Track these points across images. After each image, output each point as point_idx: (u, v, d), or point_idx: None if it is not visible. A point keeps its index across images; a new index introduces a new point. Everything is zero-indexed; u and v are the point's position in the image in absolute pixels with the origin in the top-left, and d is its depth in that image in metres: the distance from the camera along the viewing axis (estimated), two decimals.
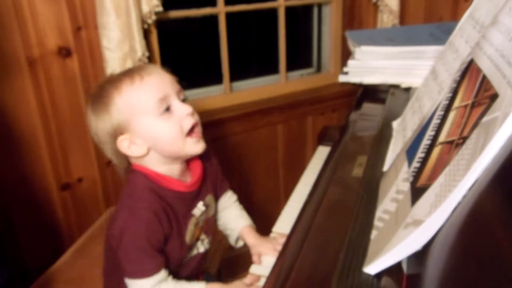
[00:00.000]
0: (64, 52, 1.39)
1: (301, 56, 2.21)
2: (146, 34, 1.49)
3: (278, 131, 1.98)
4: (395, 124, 0.94)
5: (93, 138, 0.87)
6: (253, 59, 2.18)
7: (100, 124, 0.83)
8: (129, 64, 1.40)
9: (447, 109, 0.58)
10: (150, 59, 1.54)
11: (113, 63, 1.40)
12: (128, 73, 0.83)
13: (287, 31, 1.93)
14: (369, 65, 1.23)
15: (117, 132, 0.82)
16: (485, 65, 0.52)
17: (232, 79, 1.90)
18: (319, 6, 2.07)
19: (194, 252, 0.94)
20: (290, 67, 2.06)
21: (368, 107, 1.17)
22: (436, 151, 0.54)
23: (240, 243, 1.02)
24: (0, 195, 1.38)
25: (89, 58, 1.44)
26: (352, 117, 1.15)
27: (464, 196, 0.44)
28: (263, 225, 1.06)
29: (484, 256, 0.36)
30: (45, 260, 1.28)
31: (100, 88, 0.84)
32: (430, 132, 0.59)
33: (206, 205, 0.94)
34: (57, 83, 1.40)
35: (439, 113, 0.59)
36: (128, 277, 0.82)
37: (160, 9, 1.46)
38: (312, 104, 2.02)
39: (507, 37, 0.51)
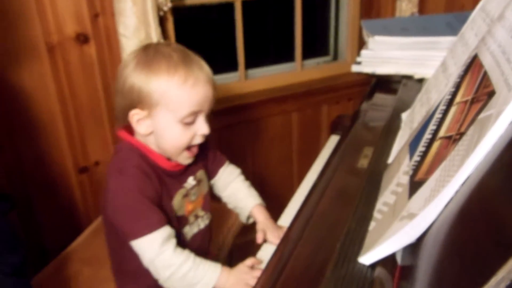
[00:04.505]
0: (82, 39, 1.42)
1: (318, 44, 2.20)
2: (162, 21, 1.51)
3: (293, 119, 1.99)
4: (404, 115, 0.94)
5: (116, 83, 0.85)
6: (269, 46, 2.18)
7: (132, 79, 0.81)
8: None
9: (449, 104, 0.58)
10: None
11: (129, 49, 1.42)
12: (188, 65, 0.81)
13: (304, 18, 1.93)
14: (382, 55, 1.22)
15: (137, 100, 0.82)
16: (487, 61, 0.52)
17: (247, 66, 1.91)
18: None
19: (195, 229, 0.96)
20: (307, 55, 2.05)
21: (380, 98, 1.17)
22: (435, 145, 0.55)
23: (251, 220, 1.04)
24: (20, 178, 1.43)
25: (106, 44, 1.46)
26: (363, 107, 1.16)
27: (457, 192, 0.45)
28: (276, 212, 1.08)
29: (467, 251, 0.37)
30: (63, 240, 1.33)
31: (157, 51, 0.82)
32: (431, 126, 0.60)
33: (198, 180, 0.96)
34: (75, 69, 1.43)
35: (442, 107, 0.60)
36: (133, 239, 0.82)
37: None
38: (327, 92, 2.01)
39: (509, 34, 0.50)
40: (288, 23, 1.97)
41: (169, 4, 1.48)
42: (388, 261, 0.51)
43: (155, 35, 1.43)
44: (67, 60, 1.42)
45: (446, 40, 1.18)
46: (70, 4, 1.38)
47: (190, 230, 0.95)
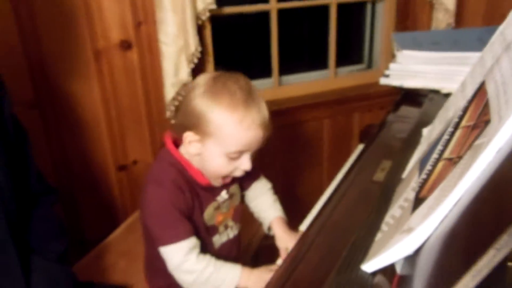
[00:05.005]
0: (125, 45, 1.52)
1: (353, 52, 2.23)
2: (200, 28, 1.59)
3: (324, 126, 2.02)
4: (425, 131, 0.97)
5: (182, 100, 0.92)
6: (304, 53, 2.23)
7: (196, 103, 0.87)
8: (183, 59, 1.51)
9: (456, 126, 0.62)
10: (204, 52, 1.64)
11: (169, 56, 1.51)
12: (247, 107, 0.86)
13: (339, 26, 1.96)
14: (411, 69, 1.25)
15: (195, 124, 0.88)
16: (490, 89, 0.56)
17: (282, 72, 1.96)
18: (373, 2, 2.07)
19: (224, 238, 1.03)
20: (341, 62, 2.09)
21: (406, 110, 1.20)
22: (440, 165, 0.59)
23: (272, 232, 1.10)
24: (66, 174, 1.55)
25: (147, 51, 1.56)
26: (389, 118, 1.19)
27: (451, 211, 0.49)
28: (303, 218, 1.13)
29: (455, 268, 0.42)
30: (102, 232, 1.43)
31: (225, 85, 0.87)
32: (439, 147, 0.64)
33: (231, 194, 1.03)
34: (118, 74, 1.54)
35: (450, 129, 0.64)
36: (162, 246, 0.90)
37: (214, 6, 1.55)
38: (360, 100, 2.04)
39: (511, 65, 0.54)
40: (323, 31, 2.01)
41: (207, 14, 1.56)
42: (388, 270, 0.55)
43: (192, 43, 1.51)
44: (111, 65, 1.52)
45: (475, 56, 1.19)
46: (116, 12, 1.48)
47: (219, 239, 1.02)
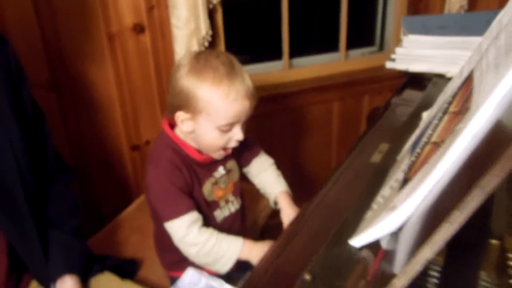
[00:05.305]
0: (138, 29, 1.56)
1: (365, 34, 2.23)
2: (211, 12, 1.62)
3: (334, 108, 2.05)
4: (425, 114, 0.99)
5: (170, 81, 0.96)
6: (315, 36, 2.24)
7: (182, 83, 0.92)
8: (194, 43, 1.55)
9: (445, 112, 0.65)
10: (215, 36, 1.67)
11: (181, 40, 1.55)
12: (231, 80, 0.90)
13: (351, 8, 1.96)
14: (416, 53, 1.26)
15: (184, 103, 0.93)
16: (476, 77, 0.59)
17: (292, 55, 1.98)
18: None
19: (226, 212, 1.08)
20: (353, 44, 2.09)
21: (410, 93, 1.22)
22: (426, 149, 0.62)
23: (278, 206, 1.15)
24: (82, 153, 1.61)
25: (160, 34, 1.60)
26: (393, 101, 1.21)
27: (430, 191, 0.52)
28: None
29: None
30: (116, 208, 1.50)
31: (207, 62, 0.91)
32: (429, 131, 0.67)
33: (228, 170, 1.07)
34: (131, 56, 1.58)
35: (439, 114, 0.67)
36: (165, 222, 0.96)
37: None
38: (370, 83, 2.05)
39: (496, 55, 0.57)
40: (334, 13, 2.01)
41: None
42: (374, 245, 0.59)
43: (203, 27, 1.55)
44: (125, 48, 1.56)
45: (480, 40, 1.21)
46: None
47: (221, 213, 1.07)
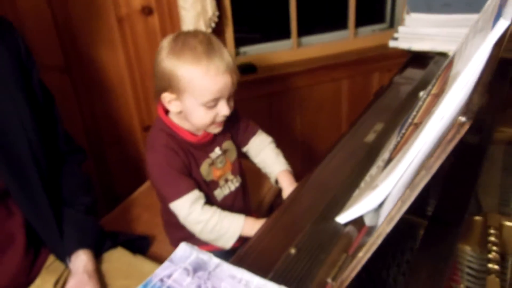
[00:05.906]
0: (147, 11, 1.59)
1: (375, 11, 2.21)
2: None
3: (343, 86, 2.06)
4: (421, 94, 1.01)
5: (153, 65, 0.99)
6: (324, 14, 2.23)
7: (163, 65, 0.95)
8: (201, 24, 1.57)
9: (428, 93, 0.67)
10: (222, 16, 1.70)
11: (188, 21, 1.58)
12: (210, 57, 0.92)
13: None
14: (419, 32, 1.27)
15: (168, 85, 0.96)
16: (456, 65, 0.61)
17: (301, 34, 1.99)
18: None
19: (226, 191, 1.12)
20: (363, 22, 2.08)
21: (411, 72, 1.23)
22: (409, 130, 0.65)
23: (279, 185, 1.19)
24: (95, 134, 1.68)
25: (168, 16, 1.63)
26: (395, 80, 1.23)
27: (406, 170, 0.56)
28: None
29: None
30: (130, 187, 1.57)
31: (184, 43, 0.93)
32: (414, 112, 0.69)
33: (224, 150, 1.11)
34: (140, 38, 1.62)
35: (424, 96, 0.69)
36: (169, 203, 1.01)
37: None
38: (379, 60, 2.05)
39: (474, 40, 0.58)
40: None
41: None
42: (359, 222, 0.63)
43: (209, 8, 1.57)
44: (134, 30, 1.60)
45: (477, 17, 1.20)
46: None
47: (221, 192, 1.11)
